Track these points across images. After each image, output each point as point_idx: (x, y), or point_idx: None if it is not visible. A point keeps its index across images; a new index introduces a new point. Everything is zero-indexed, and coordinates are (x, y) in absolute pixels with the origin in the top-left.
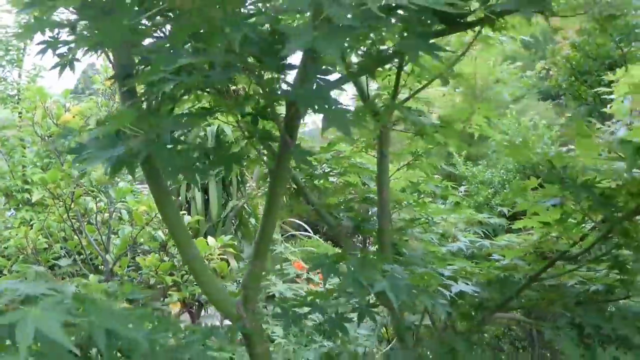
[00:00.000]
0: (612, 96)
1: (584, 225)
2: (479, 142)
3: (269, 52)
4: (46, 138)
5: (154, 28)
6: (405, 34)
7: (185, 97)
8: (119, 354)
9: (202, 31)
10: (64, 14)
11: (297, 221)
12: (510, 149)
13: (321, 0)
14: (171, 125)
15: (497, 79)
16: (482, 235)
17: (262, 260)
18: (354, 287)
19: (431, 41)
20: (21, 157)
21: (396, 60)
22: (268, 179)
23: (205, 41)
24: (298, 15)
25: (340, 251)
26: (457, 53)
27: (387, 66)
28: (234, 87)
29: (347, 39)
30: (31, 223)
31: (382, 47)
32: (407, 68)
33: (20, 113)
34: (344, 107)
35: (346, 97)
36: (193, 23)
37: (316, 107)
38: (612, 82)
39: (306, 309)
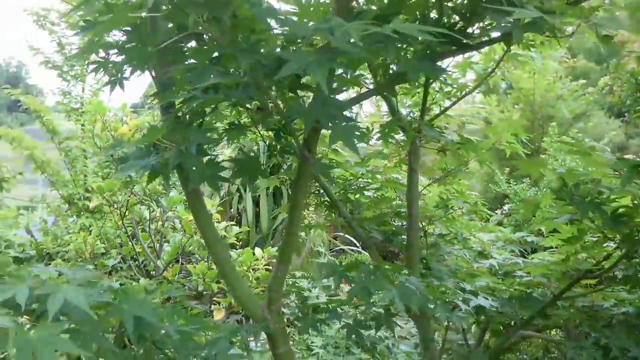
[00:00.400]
0: None
1: (607, 244)
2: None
3: (277, 74)
4: (105, 150)
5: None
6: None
7: (215, 113)
8: (152, 346)
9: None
10: (115, 35)
11: (347, 236)
12: (526, 165)
13: (320, 28)
14: (197, 138)
15: (557, 95)
16: (519, 253)
17: (286, 265)
18: (363, 295)
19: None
20: (83, 167)
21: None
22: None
23: (223, 65)
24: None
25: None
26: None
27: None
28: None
29: (337, 63)
30: (90, 229)
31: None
32: (437, 85)
33: (82, 125)
34: (354, 124)
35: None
36: (207, 50)
37: (323, 122)
38: None
39: (325, 315)
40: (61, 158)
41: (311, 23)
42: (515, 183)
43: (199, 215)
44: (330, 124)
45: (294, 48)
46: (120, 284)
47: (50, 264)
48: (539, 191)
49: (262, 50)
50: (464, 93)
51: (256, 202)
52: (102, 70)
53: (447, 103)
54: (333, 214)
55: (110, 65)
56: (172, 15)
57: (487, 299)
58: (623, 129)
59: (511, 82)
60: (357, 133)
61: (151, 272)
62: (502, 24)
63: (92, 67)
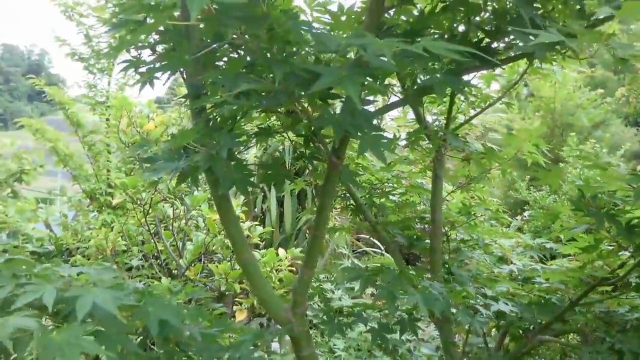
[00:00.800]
0: None
1: (623, 252)
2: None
3: (309, 85)
4: (129, 145)
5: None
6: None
7: (246, 118)
8: (176, 348)
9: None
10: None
11: (371, 238)
12: (546, 175)
13: (351, 43)
14: (228, 142)
15: (577, 104)
16: (538, 259)
17: (311, 269)
18: (388, 299)
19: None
20: (106, 162)
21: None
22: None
23: (256, 73)
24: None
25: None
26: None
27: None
28: (291, 109)
29: (368, 79)
30: (112, 225)
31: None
32: (462, 95)
33: (107, 119)
34: (382, 134)
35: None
36: (241, 59)
37: (352, 133)
38: None
39: (351, 319)
40: (84, 152)
41: (344, 34)
42: (535, 190)
43: (226, 217)
44: (359, 134)
45: (326, 58)
46: (144, 284)
47: (69, 259)
48: (558, 199)
49: (295, 62)
50: (488, 104)
51: (280, 202)
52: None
53: (472, 112)
54: (358, 218)
55: (142, 65)
56: (210, 25)
57: (507, 304)
58: (639, 137)
59: (532, 90)
60: (384, 142)
61: (173, 271)
62: (526, 44)
63: (122, 65)
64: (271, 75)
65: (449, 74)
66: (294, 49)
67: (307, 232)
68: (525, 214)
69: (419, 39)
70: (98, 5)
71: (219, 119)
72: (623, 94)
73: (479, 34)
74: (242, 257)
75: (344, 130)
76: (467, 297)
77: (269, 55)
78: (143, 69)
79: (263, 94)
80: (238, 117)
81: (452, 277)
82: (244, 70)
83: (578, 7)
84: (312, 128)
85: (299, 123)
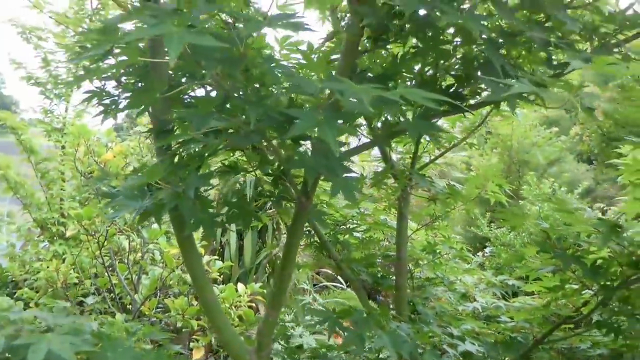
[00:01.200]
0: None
1: (586, 291)
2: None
3: (283, 127)
4: (86, 174)
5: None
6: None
7: (213, 156)
8: None
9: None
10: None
11: (331, 272)
12: (510, 217)
13: (329, 87)
14: (197, 182)
15: (532, 142)
16: (500, 296)
17: (277, 310)
18: (356, 342)
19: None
20: (60, 190)
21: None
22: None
23: (228, 113)
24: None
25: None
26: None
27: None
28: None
29: (347, 124)
30: (63, 257)
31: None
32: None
33: (63, 147)
34: (352, 176)
35: None
36: (215, 99)
37: (324, 175)
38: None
39: None
40: (37, 180)
41: (312, 73)
42: (495, 227)
43: (189, 257)
44: (326, 176)
45: (300, 99)
46: (98, 321)
47: (15, 292)
48: (518, 236)
49: (269, 104)
50: (452, 144)
51: (240, 235)
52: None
53: (437, 152)
54: (322, 254)
55: (106, 97)
56: (186, 65)
57: (473, 344)
58: (591, 174)
59: (490, 128)
60: (355, 184)
61: (128, 306)
62: (497, 93)
63: (83, 93)
64: (243, 115)
65: (420, 118)
66: (270, 89)
67: (268, 266)
68: (487, 250)
69: (392, 84)
70: (59, 31)
71: (185, 156)
72: (577, 133)
73: (446, 79)
74: (205, 298)
75: (316, 173)
76: (434, 336)
77: (242, 95)
78: (107, 101)
79: (230, 131)
80: (206, 155)
81: (417, 315)
82: (214, 110)
83: (544, 54)
84: (282, 167)
85: (268, 163)
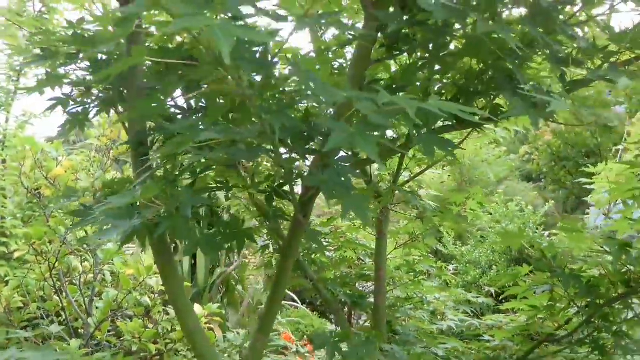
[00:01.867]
0: (592, 187)
1: (569, 310)
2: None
3: (300, 139)
4: (32, 190)
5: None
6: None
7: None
8: None
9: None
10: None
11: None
12: (504, 236)
13: (357, 96)
14: (192, 200)
15: (483, 159)
16: (470, 314)
17: (267, 335)
18: None
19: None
20: (1, 208)
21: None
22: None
23: (238, 123)
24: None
25: (332, 325)
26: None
27: None
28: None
29: (378, 135)
30: (6, 279)
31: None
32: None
33: (4, 160)
34: (365, 195)
35: None
36: (228, 105)
37: (337, 193)
38: (592, 174)
39: None
40: None
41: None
42: (461, 245)
43: (171, 283)
44: (338, 194)
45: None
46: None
47: None
48: (483, 253)
49: (292, 114)
50: (434, 161)
51: (192, 255)
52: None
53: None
54: (297, 274)
55: (73, 104)
56: (188, 71)
57: None
58: (537, 193)
59: None
60: (366, 203)
61: (80, 330)
62: (519, 108)
63: (50, 103)
64: (250, 126)
65: (431, 133)
66: (292, 97)
67: (222, 285)
68: (450, 267)
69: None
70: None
71: (170, 171)
72: (526, 152)
73: (448, 92)
74: (187, 325)
75: (333, 191)
76: (422, 358)
77: (260, 104)
78: (75, 108)
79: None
80: (199, 171)
81: (397, 336)
82: (220, 119)
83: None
84: (276, 184)
85: (268, 179)
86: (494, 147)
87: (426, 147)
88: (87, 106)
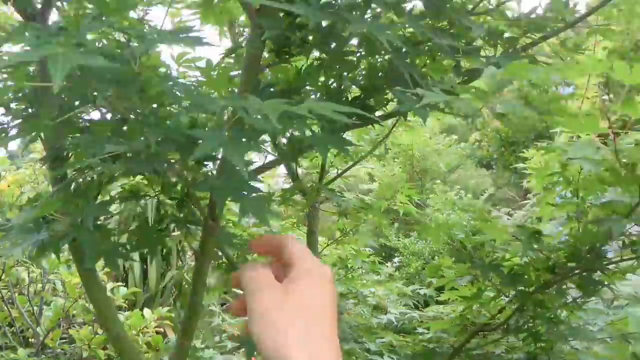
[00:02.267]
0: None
1: (501, 298)
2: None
3: (187, 148)
4: None
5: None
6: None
7: (111, 183)
8: None
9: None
10: None
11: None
12: (426, 229)
13: (232, 104)
14: (95, 211)
15: (433, 149)
16: (413, 306)
17: (190, 338)
18: None
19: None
20: None
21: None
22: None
23: (127, 137)
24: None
25: None
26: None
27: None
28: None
29: (252, 143)
30: None
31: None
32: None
33: None
34: (261, 194)
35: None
36: (110, 123)
37: (233, 197)
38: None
39: None
40: None
41: (213, 91)
42: (403, 237)
43: (93, 291)
44: (233, 197)
45: (201, 118)
46: None
47: None
48: (426, 244)
49: (169, 125)
50: (360, 157)
51: (143, 259)
52: None
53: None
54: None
55: None
56: (76, 88)
57: (392, 357)
58: (489, 178)
59: (391, 137)
60: (265, 204)
61: (30, 339)
62: (407, 104)
63: None
64: (142, 138)
65: (329, 132)
66: (169, 109)
67: (174, 289)
68: (395, 260)
69: (296, 98)
70: None
71: (81, 184)
72: (476, 139)
73: (351, 91)
74: (112, 332)
75: (224, 195)
76: (352, 353)
77: (140, 118)
78: None
79: (129, 155)
80: (104, 182)
81: None
82: (109, 134)
83: (450, 62)
84: (186, 190)
85: (173, 187)
86: (445, 137)
87: (320, 146)
88: (6, 125)
